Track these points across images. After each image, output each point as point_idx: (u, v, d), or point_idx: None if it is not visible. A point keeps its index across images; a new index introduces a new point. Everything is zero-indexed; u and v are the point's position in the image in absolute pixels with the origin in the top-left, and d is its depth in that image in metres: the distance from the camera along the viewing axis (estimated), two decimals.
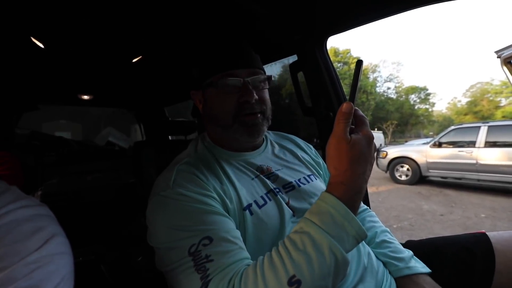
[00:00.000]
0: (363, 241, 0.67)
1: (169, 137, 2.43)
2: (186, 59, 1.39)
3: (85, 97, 2.20)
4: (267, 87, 0.68)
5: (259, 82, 0.66)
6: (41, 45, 1.18)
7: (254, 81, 0.65)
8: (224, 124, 0.64)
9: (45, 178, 1.95)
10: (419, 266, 0.64)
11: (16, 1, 0.85)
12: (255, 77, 0.65)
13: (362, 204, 0.83)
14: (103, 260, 1.24)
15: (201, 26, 1.04)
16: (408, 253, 0.68)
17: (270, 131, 0.87)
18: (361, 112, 0.48)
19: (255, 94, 0.63)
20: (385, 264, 0.67)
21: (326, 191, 0.47)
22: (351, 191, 0.45)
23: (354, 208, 0.45)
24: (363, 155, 0.45)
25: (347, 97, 0.48)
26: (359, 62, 0.48)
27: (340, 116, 0.45)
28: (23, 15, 0.95)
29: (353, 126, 0.48)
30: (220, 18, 0.98)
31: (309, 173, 0.74)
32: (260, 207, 0.59)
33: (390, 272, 0.65)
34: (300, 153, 0.80)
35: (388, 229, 0.75)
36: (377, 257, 0.67)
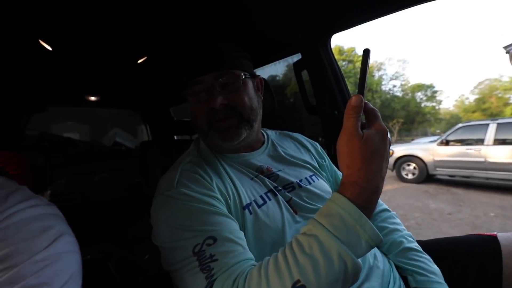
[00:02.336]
0: None
1: (175, 137, 2.45)
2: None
3: (92, 98, 2.24)
4: (241, 85, 0.63)
5: (231, 84, 0.62)
6: (49, 48, 1.20)
7: (221, 84, 0.61)
8: (202, 132, 0.65)
9: (53, 178, 1.99)
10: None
11: (25, 4, 0.87)
12: (222, 79, 0.61)
13: (381, 202, 0.79)
14: (110, 258, 1.25)
15: (203, 26, 1.05)
16: (436, 268, 0.64)
17: (273, 131, 0.87)
18: (371, 105, 0.45)
19: (220, 99, 0.60)
20: (404, 270, 0.65)
21: (338, 191, 0.44)
22: (365, 192, 0.42)
23: (369, 210, 0.42)
24: (377, 151, 0.42)
25: (356, 91, 0.44)
26: (366, 51, 0.44)
27: (349, 111, 0.42)
28: (31, 18, 0.97)
29: (363, 121, 0.45)
30: (223, 17, 0.99)
31: (311, 173, 0.73)
32: (259, 206, 0.59)
33: (417, 282, 0.63)
34: (302, 152, 0.79)
35: (410, 234, 0.72)
36: (386, 257, 0.66)
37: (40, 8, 0.90)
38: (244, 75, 0.65)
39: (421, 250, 0.68)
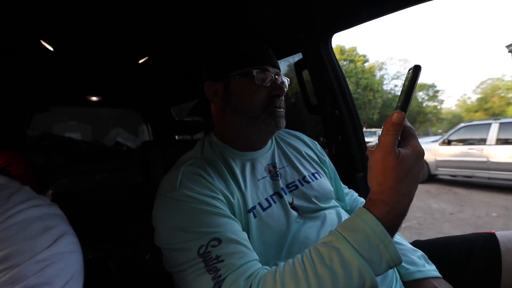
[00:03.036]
0: None
1: (176, 136, 2.46)
2: (192, 57, 1.40)
3: (94, 98, 2.24)
4: (286, 88, 0.72)
5: (283, 83, 0.70)
6: (51, 48, 1.21)
7: (280, 80, 0.69)
8: (253, 114, 0.64)
9: (55, 178, 1.99)
10: (432, 270, 0.62)
11: (26, 5, 0.87)
12: (281, 77, 0.69)
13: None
14: (111, 258, 1.26)
15: (203, 26, 1.05)
16: (419, 254, 0.66)
17: None
18: (409, 123, 0.44)
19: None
20: None
21: (365, 207, 0.43)
22: (393, 212, 0.41)
23: (393, 231, 0.42)
24: (411, 173, 0.41)
25: (398, 106, 0.42)
26: (417, 68, 0.42)
27: (389, 127, 0.40)
28: (32, 19, 0.97)
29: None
30: (224, 17, 0.99)
31: (314, 171, 0.73)
32: (264, 209, 0.59)
33: (400, 275, 0.64)
34: (305, 150, 0.79)
35: None
36: None
37: (42, 9, 0.90)
38: (287, 79, 0.72)
39: (401, 241, 0.69)
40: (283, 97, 0.68)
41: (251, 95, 0.64)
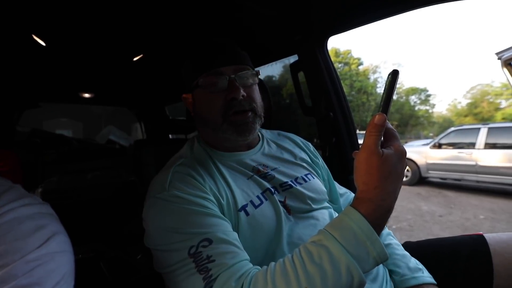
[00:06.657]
0: None
1: (170, 135, 2.44)
2: (188, 57, 1.40)
3: (86, 95, 2.21)
4: (256, 83, 0.67)
5: (247, 79, 0.64)
6: (43, 43, 1.19)
7: (240, 77, 0.62)
8: (214, 125, 0.63)
9: (45, 175, 1.95)
10: (426, 276, 0.63)
11: None
12: (242, 73, 0.63)
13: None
14: (102, 258, 1.24)
15: (200, 25, 1.05)
16: (414, 261, 0.67)
17: (268, 130, 0.86)
18: (391, 125, 0.45)
19: (242, 91, 0.61)
20: (388, 270, 0.66)
21: (351, 205, 0.44)
22: (379, 210, 0.42)
23: (379, 228, 0.43)
24: (394, 172, 0.42)
25: (380, 108, 0.45)
26: (395, 72, 0.44)
27: (372, 128, 0.43)
28: (24, 13, 0.95)
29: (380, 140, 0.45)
30: (221, 17, 0.99)
31: (306, 172, 0.73)
32: (256, 207, 0.58)
33: (393, 280, 0.65)
34: (297, 151, 0.79)
35: (391, 232, 0.74)
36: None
37: (34, 2, 0.88)
38: (255, 72, 0.67)
39: (397, 248, 0.69)
40: (244, 97, 0.61)
41: (207, 105, 0.63)
